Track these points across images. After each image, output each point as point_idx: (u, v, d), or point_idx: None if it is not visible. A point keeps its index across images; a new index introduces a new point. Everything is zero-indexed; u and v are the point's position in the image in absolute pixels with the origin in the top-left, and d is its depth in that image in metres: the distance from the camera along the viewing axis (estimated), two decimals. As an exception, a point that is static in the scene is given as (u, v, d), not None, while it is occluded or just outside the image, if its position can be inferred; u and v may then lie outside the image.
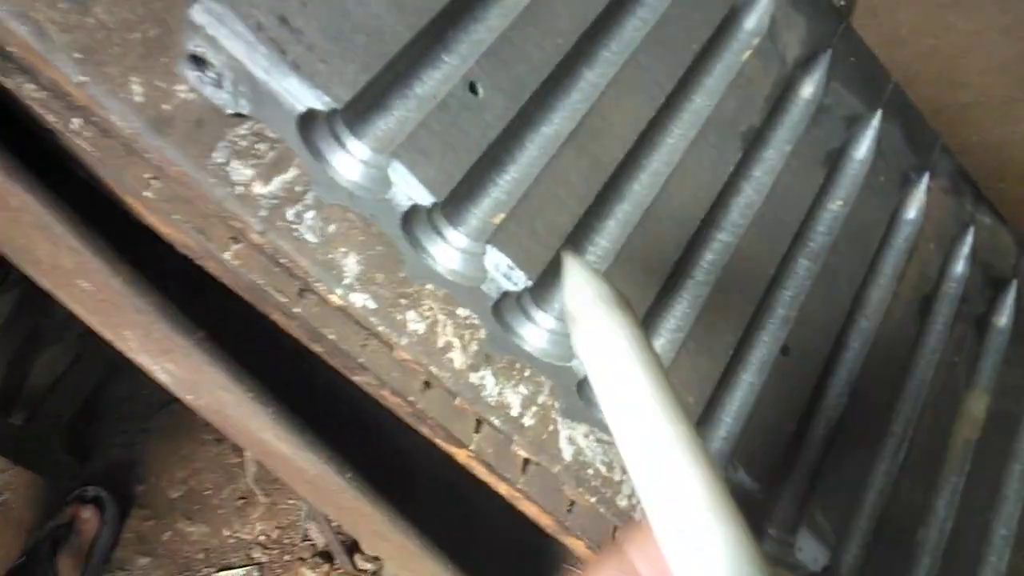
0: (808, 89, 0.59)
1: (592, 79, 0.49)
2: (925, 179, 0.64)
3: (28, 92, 0.43)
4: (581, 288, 0.30)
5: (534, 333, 0.45)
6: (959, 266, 0.66)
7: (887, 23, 2.25)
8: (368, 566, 1.82)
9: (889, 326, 0.60)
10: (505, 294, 0.44)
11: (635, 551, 0.29)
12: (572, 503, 0.57)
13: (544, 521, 0.58)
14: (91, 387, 1.74)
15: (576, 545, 0.61)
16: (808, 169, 0.57)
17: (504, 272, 0.43)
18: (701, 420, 0.49)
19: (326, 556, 1.89)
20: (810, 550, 0.52)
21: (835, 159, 0.60)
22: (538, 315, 0.45)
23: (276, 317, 0.54)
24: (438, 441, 0.54)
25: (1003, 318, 0.68)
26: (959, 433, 0.62)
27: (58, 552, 1.53)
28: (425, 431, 0.53)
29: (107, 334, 0.58)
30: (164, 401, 1.78)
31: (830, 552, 0.53)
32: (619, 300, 0.29)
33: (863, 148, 0.61)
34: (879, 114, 0.62)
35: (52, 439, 1.63)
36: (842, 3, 2.23)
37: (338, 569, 1.86)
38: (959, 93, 2.06)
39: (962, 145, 1.98)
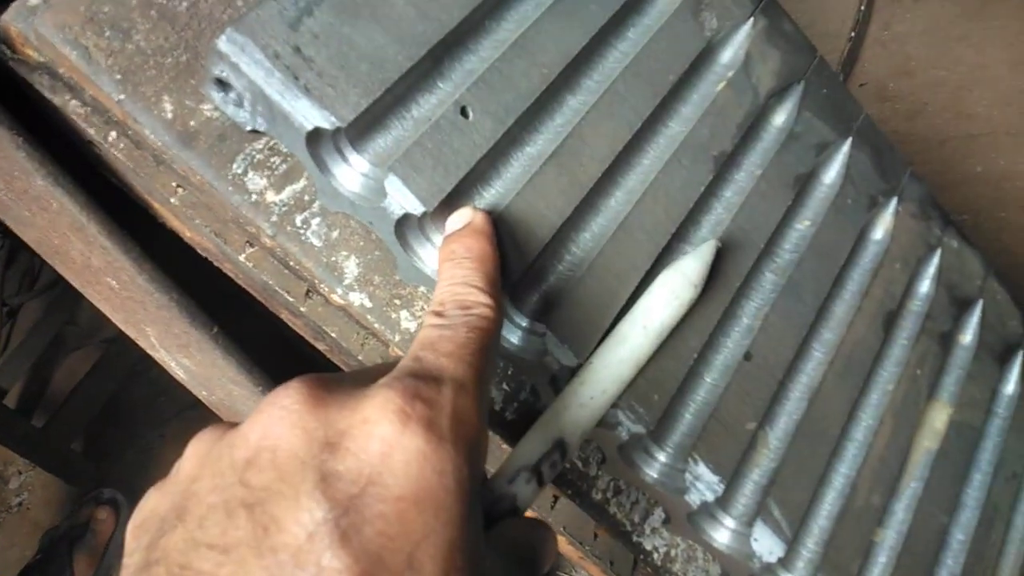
0: (780, 118, 0.64)
1: (574, 105, 0.55)
2: (893, 203, 0.69)
3: (73, 108, 0.49)
4: (701, 271, 0.52)
5: (511, 331, 0.50)
6: (924, 286, 0.70)
7: (897, 55, 2.30)
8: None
9: (852, 338, 0.64)
10: (487, 295, 0.49)
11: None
12: (556, 499, 0.62)
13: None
14: (110, 393, 1.80)
15: (559, 542, 0.65)
16: (777, 191, 0.62)
17: (486, 275, 0.48)
18: (665, 415, 0.53)
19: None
20: (766, 542, 0.56)
21: (804, 182, 0.64)
22: (515, 316, 0.50)
23: (284, 315, 0.59)
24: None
25: (968, 336, 0.72)
26: (920, 442, 0.66)
27: (74, 550, 1.58)
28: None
29: (130, 331, 0.64)
30: (178, 409, 1.83)
31: (786, 545, 0.57)
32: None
33: (832, 173, 0.66)
34: (849, 141, 0.67)
35: (71, 442, 1.68)
36: (852, 35, 2.26)
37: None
38: (965, 124, 2.10)
39: (965, 175, 2.02)
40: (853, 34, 2.05)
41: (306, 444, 0.27)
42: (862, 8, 2.13)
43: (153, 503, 0.29)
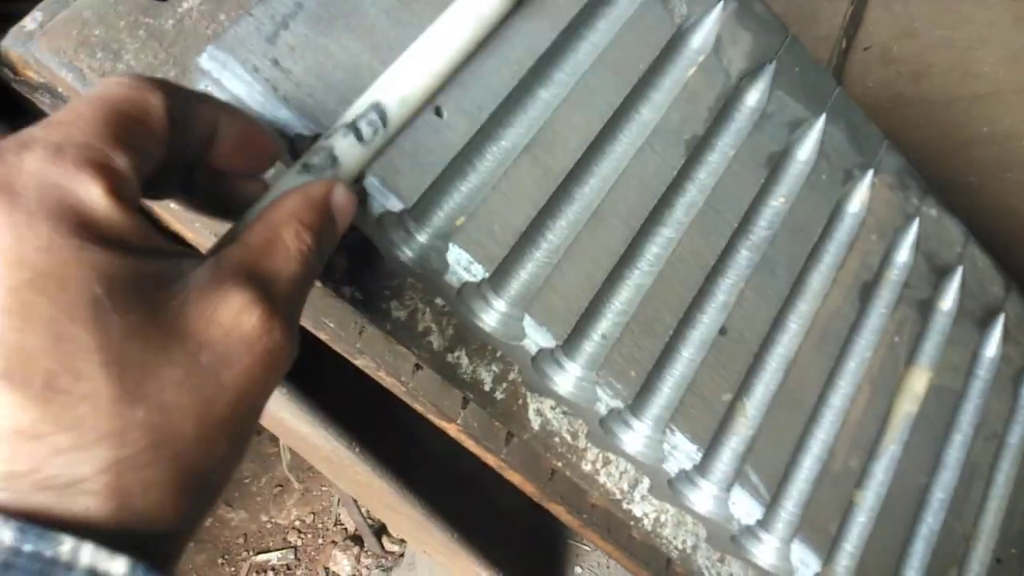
0: (752, 98, 0.66)
1: (546, 98, 0.57)
2: (869, 176, 0.70)
3: (74, 124, 0.53)
4: None
5: (491, 315, 0.53)
6: (902, 255, 0.72)
7: (901, 16, 2.27)
8: (395, 548, 1.92)
9: (828, 310, 0.66)
10: (466, 284, 0.52)
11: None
12: (552, 472, 0.65)
13: (528, 489, 0.65)
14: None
15: (558, 511, 0.68)
16: (750, 170, 0.64)
17: (464, 266, 0.51)
18: (642, 389, 0.56)
19: (357, 539, 1.99)
20: (743, 505, 0.59)
21: (778, 160, 0.67)
22: (495, 300, 0.53)
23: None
24: (431, 417, 0.62)
25: (948, 302, 0.74)
26: (899, 407, 0.68)
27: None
28: (419, 408, 0.61)
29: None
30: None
31: (764, 508, 0.60)
32: None
33: (806, 150, 0.68)
34: (823, 118, 0.68)
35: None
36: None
37: (367, 551, 1.96)
38: (972, 84, 2.08)
39: (971, 136, 2.00)
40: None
41: None
42: (864, -29, 2.10)
43: None
